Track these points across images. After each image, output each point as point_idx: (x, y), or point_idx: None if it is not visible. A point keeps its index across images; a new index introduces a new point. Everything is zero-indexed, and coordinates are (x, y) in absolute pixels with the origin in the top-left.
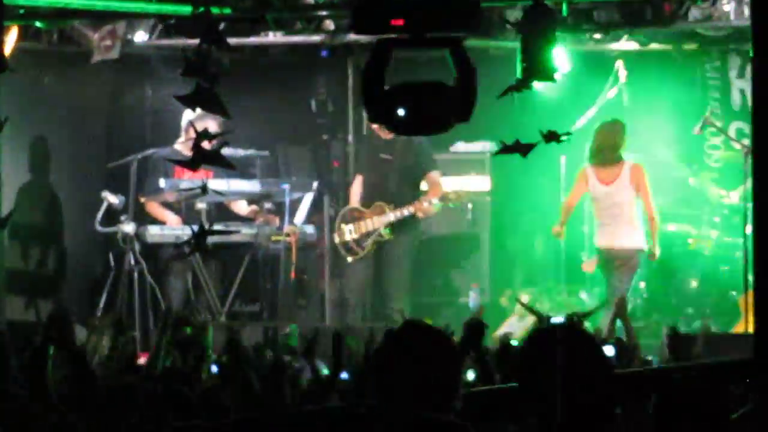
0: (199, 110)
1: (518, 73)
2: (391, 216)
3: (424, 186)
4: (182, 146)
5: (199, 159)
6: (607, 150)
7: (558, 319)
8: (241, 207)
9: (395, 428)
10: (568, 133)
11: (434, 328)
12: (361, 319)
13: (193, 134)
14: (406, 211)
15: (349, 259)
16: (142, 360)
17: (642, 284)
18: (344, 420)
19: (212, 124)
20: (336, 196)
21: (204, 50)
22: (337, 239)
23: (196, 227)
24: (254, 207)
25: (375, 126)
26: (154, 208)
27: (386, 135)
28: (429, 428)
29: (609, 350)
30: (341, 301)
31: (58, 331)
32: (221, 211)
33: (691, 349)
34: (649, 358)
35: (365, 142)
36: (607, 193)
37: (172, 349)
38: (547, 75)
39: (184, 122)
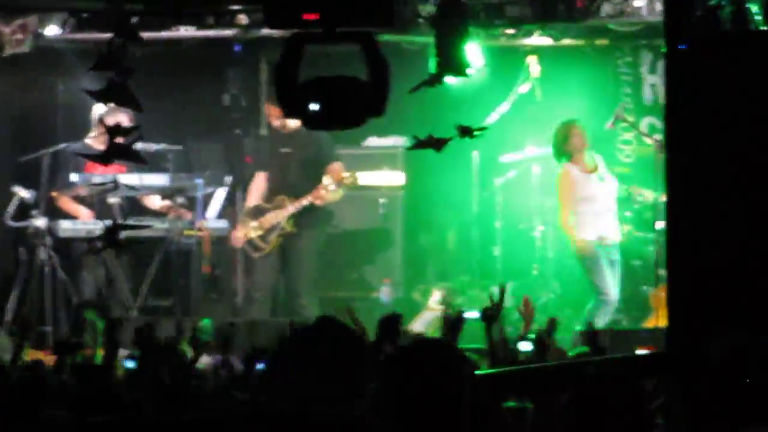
0: (110, 105)
1: (431, 68)
2: (291, 208)
3: (326, 180)
4: (93, 141)
5: (111, 154)
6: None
7: (472, 314)
8: (154, 202)
9: (287, 424)
10: (482, 128)
11: (342, 324)
12: (269, 314)
13: (103, 129)
14: (305, 201)
15: (255, 255)
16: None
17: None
18: (246, 418)
19: (123, 118)
20: (248, 191)
21: (116, 44)
22: (241, 237)
23: (108, 222)
24: (167, 202)
25: (275, 121)
26: (66, 202)
27: (286, 129)
28: (324, 424)
29: (526, 345)
30: (250, 297)
31: None
32: (133, 206)
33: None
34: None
35: (265, 138)
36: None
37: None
38: (460, 70)
39: (94, 116)
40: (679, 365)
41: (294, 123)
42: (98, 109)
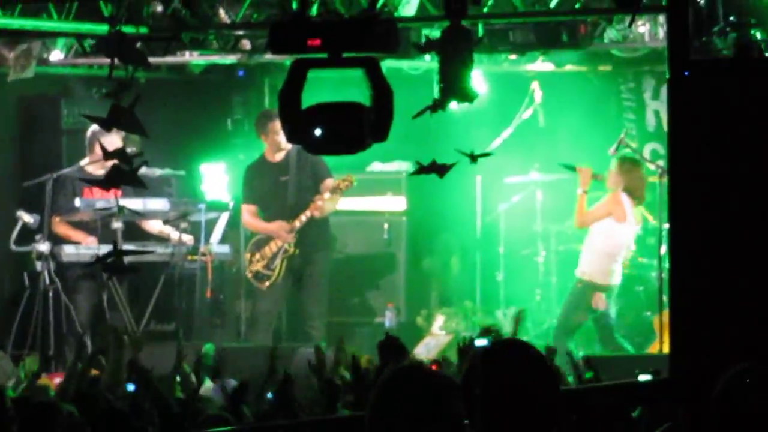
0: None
1: (435, 94)
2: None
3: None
4: (89, 165)
5: (112, 179)
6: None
7: (481, 341)
8: (153, 226)
9: None
10: (485, 154)
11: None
12: (272, 338)
13: (98, 151)
14: (303, 217)
15: (264, 286)
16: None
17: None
18: None
19: (116, 139)
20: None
21: (126, 70)
22: (249, 273)
23: (110, 246)
24: (166, 227)
25: (267, 152)
26: (63, 227)
27: (277, 159)
28: None
29: None
30: (253, 322)
31: None
32: (133, 231)
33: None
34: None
35: (257, 168)
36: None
37: (87, 372)
38: (463, 96)
39: (88, 135)
40: (682, 392)
41: (282, 151)
42: (93, 128)
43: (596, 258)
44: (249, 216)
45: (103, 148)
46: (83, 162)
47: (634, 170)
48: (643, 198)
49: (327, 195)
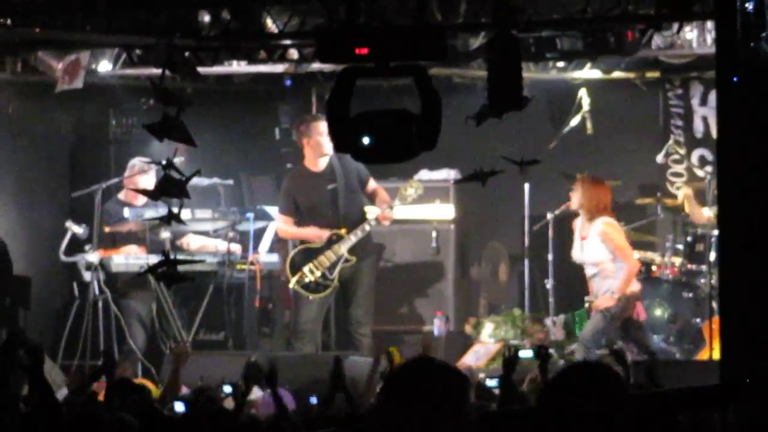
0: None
1: (487, 101)
2: (353, 238)
3: (391, 201)
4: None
5: (162, 188)
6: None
7: (526, 352)
8: (194, 243)
9: None
10: (534, 161)
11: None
12: (319, 348)
13: (136, 171)
14: (367, 227)
15: (315, 297)
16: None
17: None
18: None
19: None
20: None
21: (174, 79)
22: (296, 284)
23: (160, 256)
24: (209, 241)
25: (307, 162)
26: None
27: (319, 167)
28: None
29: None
30: (297, 331)
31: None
32: (172, 246)
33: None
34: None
35: (298, 179)
36: None
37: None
38: (512, 103)
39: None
40: (734, 397)
41: (325, 157)
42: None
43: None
44: (285, 226)
45: (158, 163)
46: (121, 195)
47: (599, 187)
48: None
49: (396, 202)
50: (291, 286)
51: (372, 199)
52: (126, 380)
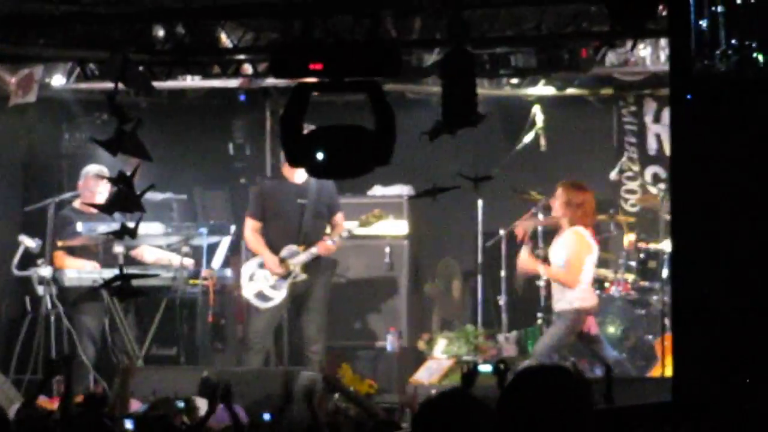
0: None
1: (441, 117)
2: (304, 256)
3: (333, 232)
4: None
5: (114, 204)
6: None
7: (485, 367)
8: (149, 255)
9: None
10: (487, 177)
11: None
12: (264, 363)
13: (90, 183)
14: (314, 250)
15: (268, 305)
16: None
17: None
18: None
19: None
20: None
21: (127, 93)
22: (250, 291)
23: (114, 271)
24: (163, 255)
25: (285, 171)
26: (62, 258)
27: (297, 179)
28: None
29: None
30: (245, 343)
31: None
32: (128, 259)
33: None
34: None
35: (274, 185)
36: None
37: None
38: (467, 120)
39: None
40: (686, 414)
41: (304, 174)
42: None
43: (584, 288)
44: (251, 232)
45: (110, 179)
46: (76, 204)
47: (582, 195)
48: (594, 218)
49: (342, 234)
50: (243, 293)
51: (331, 228)
52: (92, 394)
